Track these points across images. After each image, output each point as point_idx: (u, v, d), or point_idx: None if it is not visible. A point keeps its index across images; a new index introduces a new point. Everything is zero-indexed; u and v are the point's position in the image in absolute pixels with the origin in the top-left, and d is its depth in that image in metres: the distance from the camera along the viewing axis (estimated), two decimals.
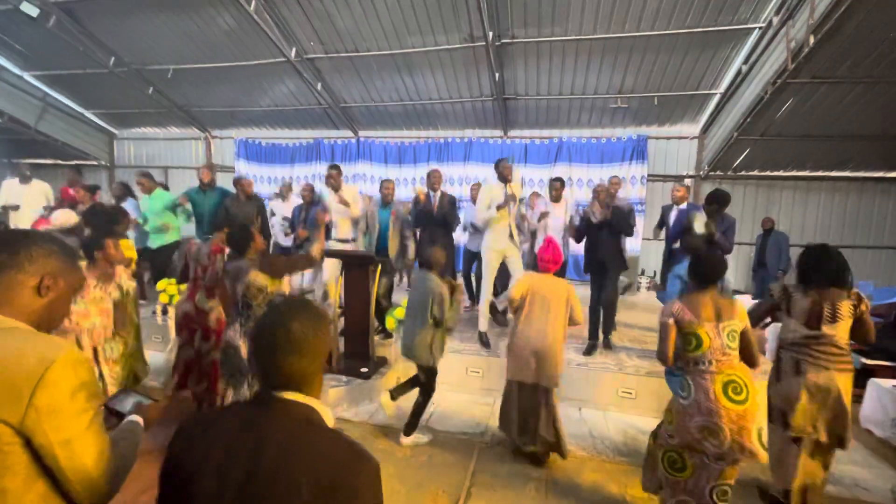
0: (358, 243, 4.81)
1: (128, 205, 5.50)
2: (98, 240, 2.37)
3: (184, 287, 4.12)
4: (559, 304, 2.86)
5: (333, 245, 4.81)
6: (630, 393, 3.68)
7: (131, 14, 6.28)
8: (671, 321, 2.20)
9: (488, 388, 3.88)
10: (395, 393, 3.17)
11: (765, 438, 2.05)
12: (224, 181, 9.17)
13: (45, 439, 0.83)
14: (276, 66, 6.92)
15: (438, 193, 4.79)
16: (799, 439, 2.41)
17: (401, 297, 4.94)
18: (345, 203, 4.59)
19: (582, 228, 4.28)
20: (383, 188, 4.82)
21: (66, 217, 3.30)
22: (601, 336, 4.29)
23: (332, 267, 4.60)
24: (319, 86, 7.26)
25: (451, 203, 4.81)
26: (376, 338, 4.22)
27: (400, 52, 6.38)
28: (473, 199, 5.69)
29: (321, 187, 5.42)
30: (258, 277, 2.57)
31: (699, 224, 3.84)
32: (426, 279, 3.01)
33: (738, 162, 6.97)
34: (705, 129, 7.18)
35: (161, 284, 4.36)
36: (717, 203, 4.01)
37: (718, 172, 7.27)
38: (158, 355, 4.20)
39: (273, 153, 9.02)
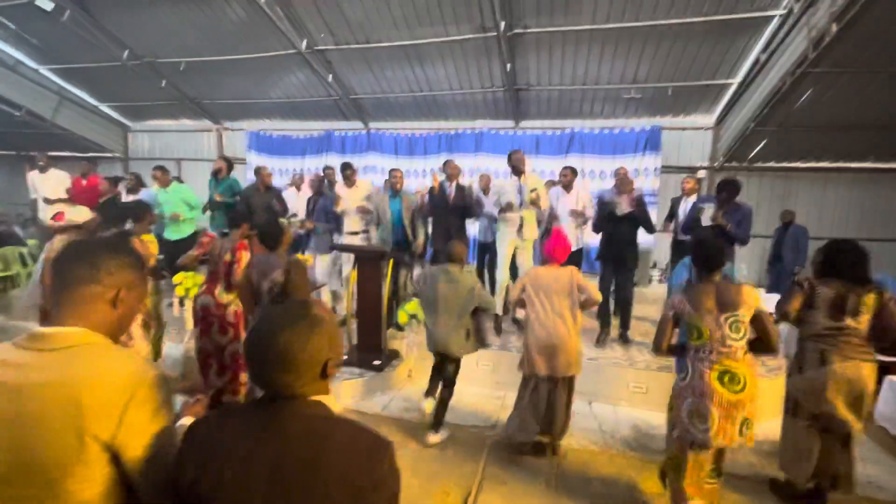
0: (370, 235, 4.86)
1: (143, 196, 5.62)
2: (125, 236, 2.45)
3: (200, 279, 4.21)
4: (564, 292, 2.84)
5: (346, 239, 4.86)
6: (641, 388, 3.69)
7: (144, 7, 6.30)
8: (671, 314, 2.28)
9: (499, 381, 3.92)
10: (431, 392, 3.18)
11: (751, 431, 2.10)
12: (236, 173, 9.30)
13: (134, 454, 0.88)
14: (286, 58, 6.92)
15: (454, 184, 4.79)
16: (819, 431, 2.40)
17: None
18: (366, 211, 4.69)
19: (603, 218, 4.23)
20: (392, 177, 4.82)
21: (78, 213, 3.35)
22: (619, 331, 4.33)
23: (351, 262, 4.66)
24: (330, 77, 7.24)
25: (467, 193, 4.82)
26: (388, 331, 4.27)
27: (411, 44, 6.33)
28: (483, 190, 5.67)
29: (338, 178, 5.45)
30: (281, 274, 2.59)
31: (706, 217, 3.83)
32: (456, 274, 2.98)
33: (754, 153, 6.84)
34: (720, 120, 7.04)
35: (177, 277, 4.43)
36: (726, 191, 3.97)
37: (734, 164, 7.15)
38: (175, 346, 4.32)
39: (284, 145, 9.06)
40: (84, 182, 6.01)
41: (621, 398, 3.74)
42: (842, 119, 5.89)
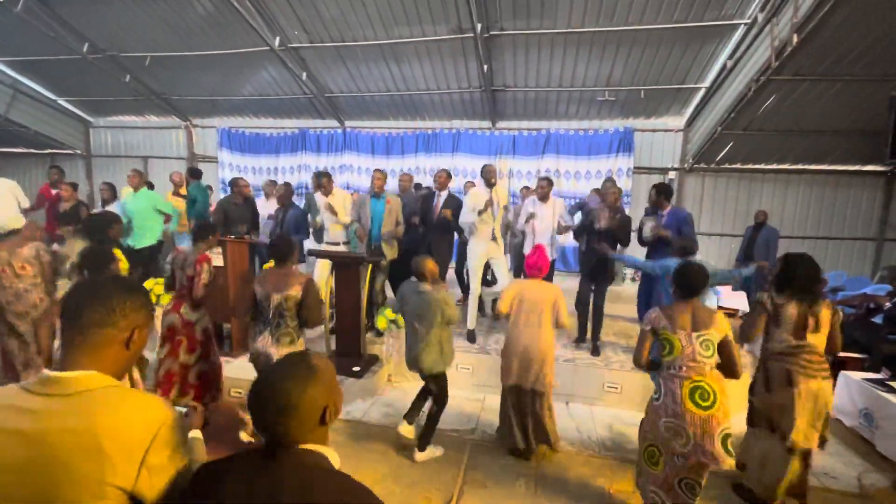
0: (349, 247, 4.78)
1: (115, 206, 5.40)
2: (106, 253, 2.43)
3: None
4: (547, 308, 2.93)
5: (325, 248, 4.78)
6: (615, 387, 3.81)
7: None
8: (648, 329, 2.34)
9: (478, 384, 3.97)
10: (411, 416, 3.08)
11: (731, 444, 2.12)
12: (208, 172, 9.03)
13: (153, 493, 0.89)
14: (258, 54, 6.74)
15: (445, 195, 4.73)
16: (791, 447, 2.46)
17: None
18: (332, 211, 4.55)
19: (585, 227, 4.27)
20: (374, 178, 4.73)
21: (14, 221, 3.09)
22: (590, 342, 4.31)
23: (322, 268, 4.58)
24: (304, 75, 7.10)
25: (457, 207, 4.64)
26: (367, 336, 4.25)
27: (387, 42, 6.27)
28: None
29: (310, 183, 5.36)
30: (296, 290, 2.59)
31: (647, 229, 4.01)
32: (421, 293, 2.92)
33: (721, 155, 7.10)
34: (690, 123, 7.27)
35: (148, 284, 4.29)
36: (658, 194, 4.19)
37: (702, 165, 7.40)
38: (150, 353, 4.18)
39: (257, 143, 8.85)
40: (54, 191, 5.72)
41: (597, 398, 3.84)
42: (803, 124, 6.18)
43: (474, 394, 3.91)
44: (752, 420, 2.70)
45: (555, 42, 6.01)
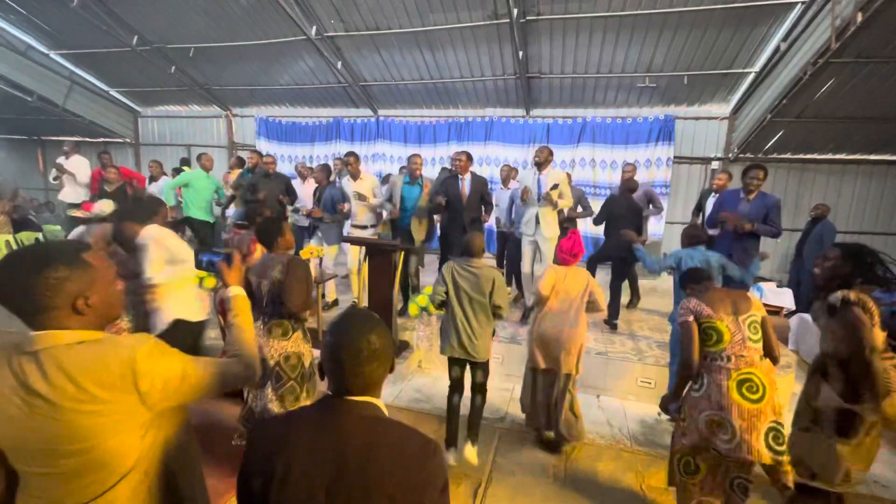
0: (378, 230, 4.84)
1: (160, 184, 5.76)
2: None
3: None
4: (578, 293, 2.89)
5: (353, 232, 4.86)
6: (649, 383, 3.72)
7: None
8: (691, 318, 2.11)
9: (508, 373, 3.96)
10: (474, 435, 2.80)
11: (780, 441, 1.92)
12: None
13: (168, 400, 1.05)
14: (296, 44, 6.86)
15: (467, 177, 4.66)
16: None
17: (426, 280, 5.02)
18: (361, 197, 4.61)
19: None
20: (411, 163, 4.72)
21: (104, 206, 3.43)
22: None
23: (354, 254, 4.67)
24: (340, 64, 7.18)
25: (483, 186, 4.73)
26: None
27: (422, 30, 6.24)
28: (503, 182, 5.64)
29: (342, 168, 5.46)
30: (278, 272, 2.37)
31: (728, 224, 3.80)
32: (477, 269, 2.72)
33: (770, 144, 6.71)
34: (736, 110, 6.89)
35: None
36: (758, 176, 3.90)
37: (748, 155, 7.02)
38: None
39: (293, 131, 9.03)
40: (104, 173, 6.10)
41: (629, 393, 3.77)
42: (864, 110, 5.74)
43: (503, 383, 3.91)
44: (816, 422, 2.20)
45: (594, 26, 5.81)
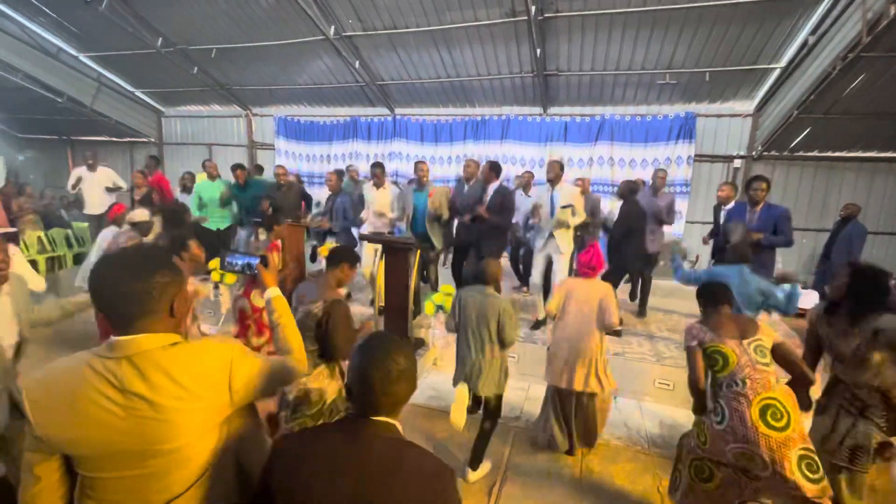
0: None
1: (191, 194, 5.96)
2: (184, 241, 2.51)
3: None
4: (595, 306, 2.80)
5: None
6: (668, 384, 3.66)
7: None
8: (695, 344, 2.12)
9: (523, 373, 3.94)
10: (476, 461, 2.73)
11: (814, 469, 1.78)
12: (263, 159, 9.50)
13: (248, 397, 1.13)
14: (314, 44, 6.93)
15: (494, 186, 4.49)
16: None
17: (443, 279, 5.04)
18: (382, 215, 4.72)
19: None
20: (418, 170, 4.78)
21: (140, 214, 3.53)
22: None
23: (368, 253, 4.72)
24: (357, 63, 7.23)
25: (508, 200, 4.52)
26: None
27: (439, 28, 6.24)
28: (524, 188, 5.55)
29: (363, 169, 5.51)
30: (317, 307, 2.20)
31: (735, 234, 3.65)
32: (485, 297, 2.62)
33: (796, 141, 6.52)
34: (761, 107, 6.71)
35: (212, 263, 4.59)
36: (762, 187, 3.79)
37: (773, 153, 6.84)
38: (211, 329, 4.51)
39: (311, 131, 9.14)
40: (149, 178, 6.30)
41: (646, 394, 3.72)
42: (895, 106, 5.53)
43: (519, 382, 3.89)
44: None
45: (613, 23, 5.72)
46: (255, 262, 1.50)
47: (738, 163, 7.05)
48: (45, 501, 1.02)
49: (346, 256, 2.36)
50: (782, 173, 7.00)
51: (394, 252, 4.00)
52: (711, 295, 2.20)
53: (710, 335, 2.07)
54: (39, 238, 6.64)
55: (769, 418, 1.84)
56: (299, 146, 9.21)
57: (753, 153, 6.95)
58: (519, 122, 7.77)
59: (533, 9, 5.44)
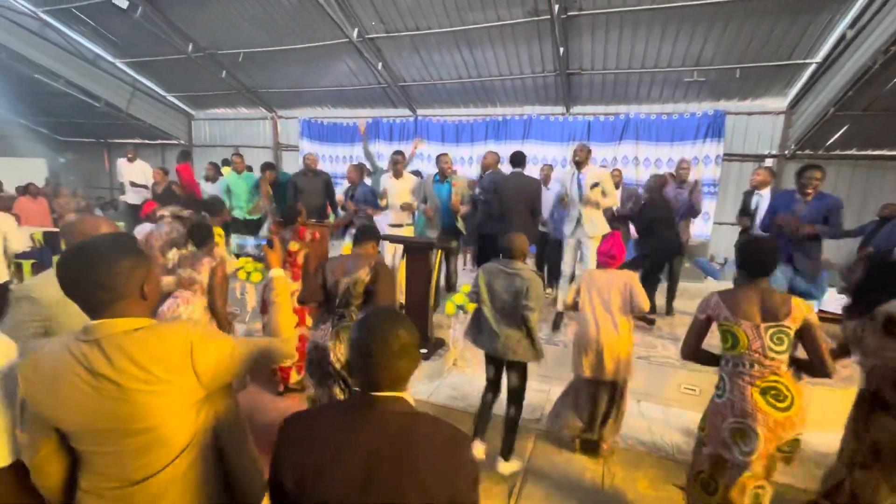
0: (409, 230, 4.90)
1: (218, 183, 6.13)
2: (208, 235, 2.70)
3: (261, 265, 4.47)
4: (617, 294, 2.78)
5: (387, 231, 4.96)
6: (694, 390, 3.57)
7: (207, 1, 6.60)
8: (703, 317, 2.04)
9: (544, 374, 3.90)
10: (507, 450, 2.77)
11: (794, 453, 1.86)
12: (288, 160, 9.72)
13: (217, 378, 1.12)
14: (338, 46, 7.03)
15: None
16: None
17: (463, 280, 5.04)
18: (406, 207, 4.72)
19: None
20: (441, 162, 4.80)
21: (179, 209, 3.69)
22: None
23: (389, 252, 4.76)
24: (380, 65, 7.31)
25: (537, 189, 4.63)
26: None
27: (461, 29, 6.25)
28: (544, 181, 5.54)
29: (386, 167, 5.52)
30: (364, 273, 2.34)
31: (786, 229, 3.51)
32: (515, 270, 2.63)
33: (832, 139, 6.25)
34: (794, 104, 6.47)
35: (240, 262, 4.72)
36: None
37: (807, 151, 6.57)
38: (238, 326, 4.63)
39: (334, 132, 9.28)
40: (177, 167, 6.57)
41: (672, 399, 3.63)
42: None
43: (540, 384, 3.86)
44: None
45: (638, 20, 5.61)
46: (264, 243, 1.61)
47: (769, 162, 6.82)
48: (49, 469, 1.10)
49: (372, 234, 2.55)
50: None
51: (414, 252, 4.03)
52: (757, 262, 1.95)
53: (726, 313, 1.95)
54: None
55: (770, 398, 1.84)
56: (323, 147, 9.36)
57: (786, 152, 6.70)
58: (541, 122, 7.70)
59: (556, 7, 5.39)
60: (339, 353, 2.29)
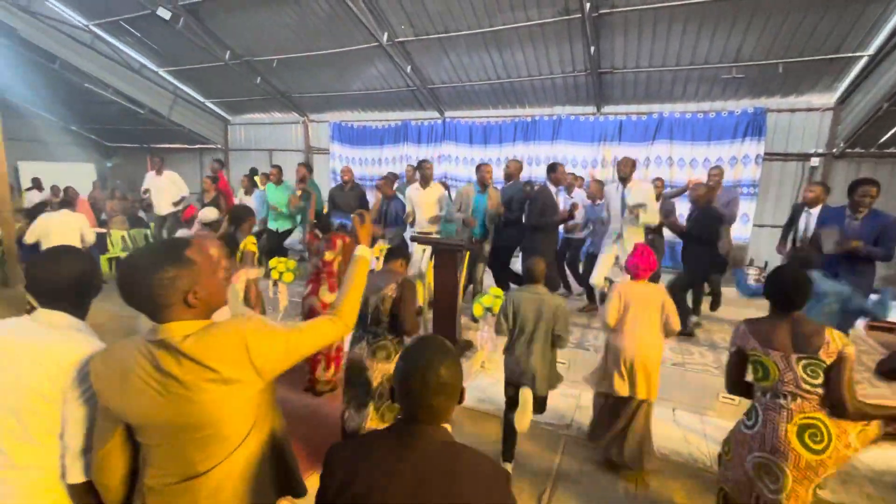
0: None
1: (256, 195, 6.35)
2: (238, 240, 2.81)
3: (292, 264, 4.59)
4: (654, 311, 2.68)
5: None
6: (733, 399, 3.41)
7: (241, 10, 6.85)
8: (734, 349, 1.95)
9: (574, 380, 3.82)
10: (509, 455, 2.81)
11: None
12: (319, 163, 9.92)
13: (276, 367, 1.15)
14: (368, 50, 7.15)
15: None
16: None
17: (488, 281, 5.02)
18: (434, 220, 4.82)
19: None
20: (482, 171, 4.77)
21: (209, 213, 3.82)
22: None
23: (417, 254, 4.78)
24: (409, 68, 7.38)
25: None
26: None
27: (490, 30, 6.24)
28: (567, 190, 5.49)
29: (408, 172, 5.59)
30: (391, 290, 2.39)
31: (829, 242, 3.29)
32: (540, 296, 2.66)
33: (886, 137, 5.89)
34: (843, 99, 6.13)
35: (272, 262, 4.85)
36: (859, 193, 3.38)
37: (858, 149, 6.21)
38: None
39: (364, 135, 9.43)
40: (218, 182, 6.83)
41: (709, 408, 3.49)
42: None
43: (570, 389, 3.78)
44: None
45: (673, 16, 5.45)
46: (349, 222, 1.59)
47: (815, 161, 6.48)
48: (112, 463, 1.16)
49: (401, 254, 2.66)
50: (868, 172, 6.33)
51: (443, 254, 4.04)
52: (785, 296, 1.83)
53: (754, 342, 1.84)
54: (123, 237, 7.31)
55: (807, 439, 1.68)
56: (353, 150, 9.52)
57: (834, 150, 6.36)
58: (571, 122, 7.58)
59: (587, 6, 5.30)
60: (376, 371, 2.34)
